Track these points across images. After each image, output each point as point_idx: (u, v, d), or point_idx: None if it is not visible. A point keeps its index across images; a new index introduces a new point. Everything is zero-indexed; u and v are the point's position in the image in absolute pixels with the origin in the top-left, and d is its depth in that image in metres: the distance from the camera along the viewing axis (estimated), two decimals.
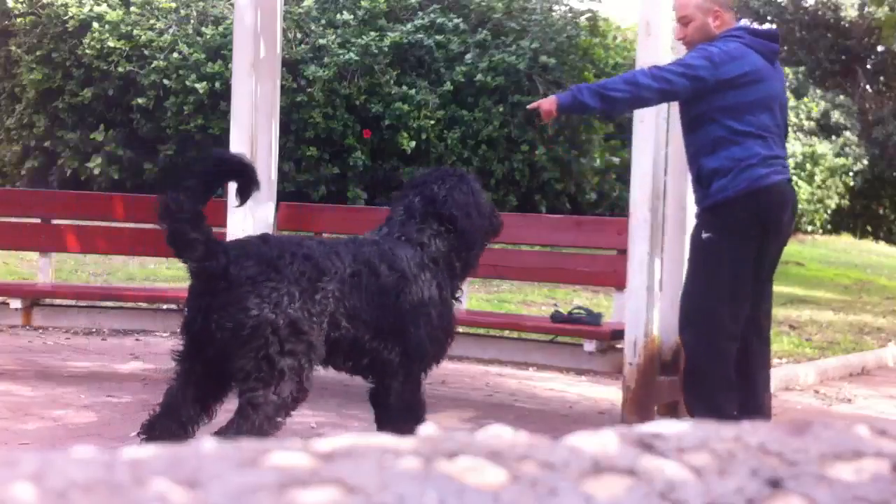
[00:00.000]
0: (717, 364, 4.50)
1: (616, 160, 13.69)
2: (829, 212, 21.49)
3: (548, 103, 4.57)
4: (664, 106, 5.37)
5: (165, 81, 12.28)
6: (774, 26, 26.11)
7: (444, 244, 3.98)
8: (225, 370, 3.55)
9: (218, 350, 3.51)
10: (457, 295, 4.16)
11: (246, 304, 3.42)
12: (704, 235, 4.51)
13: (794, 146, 20.58)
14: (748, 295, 4.53)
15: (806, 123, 21.57)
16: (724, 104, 4.45)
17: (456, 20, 12.93)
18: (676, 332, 5.64)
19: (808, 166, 20.72)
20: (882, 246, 21.79)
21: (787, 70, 22.14)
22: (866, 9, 24.35)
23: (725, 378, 4.52)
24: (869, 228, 23.73)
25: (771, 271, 4.70)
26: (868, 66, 25.67)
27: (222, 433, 3.47)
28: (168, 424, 3.66)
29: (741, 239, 4.45)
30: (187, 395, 3.68)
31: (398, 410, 3.90)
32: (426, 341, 3.88)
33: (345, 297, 3.64)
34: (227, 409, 3.76)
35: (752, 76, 4.46)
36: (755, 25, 4.68)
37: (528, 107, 4.92)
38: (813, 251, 17.23)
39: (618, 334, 5.48)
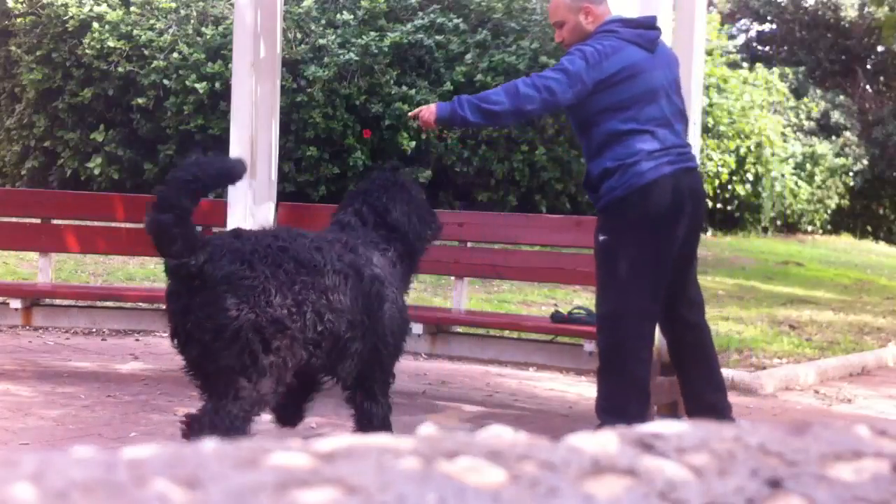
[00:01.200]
0: (626, 365, 4.40)
1: None
2: (829, 212, 21.50)
3: (427, 112, 4.42)
4: None
5: (165, 81, 12.28)
6: (775, 26, 26.13)
7: (395, 249, 4.13)
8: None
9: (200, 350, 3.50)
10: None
11: (225, 304, 3.43)
12: (601, 238, 4.43)
13: (794, 146, 20.59)
14: (656, 293, 4.42)
15: (806, 123, 21.57)
16: (603, 105, 4.34)
17: (456, 20, 12.93)
18: None
19: (808, 166, 20.73)
20: (882, 246, 21.78)
21: (788, 70, 22.15)
22: (866, 9, 24.35)
23: (636, 381, 4.42)
24: (869, 228, 23.74)
25: (686, 263, 4.57)
26: (868, 66, 25.67)
27: (196, 420, 3.48)
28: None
29: (636, 237, 4.35)
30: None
31: (377, 411, 4.05)
32: (398, 341, 4.03)
33: (328, 291, 3.67)
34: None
35: (630, 70, 4.33)
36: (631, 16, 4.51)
37: (408, 114, 4.82)
38: (813, 251, 17.23)
39: None
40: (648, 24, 4.50)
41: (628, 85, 4.33)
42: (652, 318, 4.49)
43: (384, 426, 4.05)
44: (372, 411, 4.04)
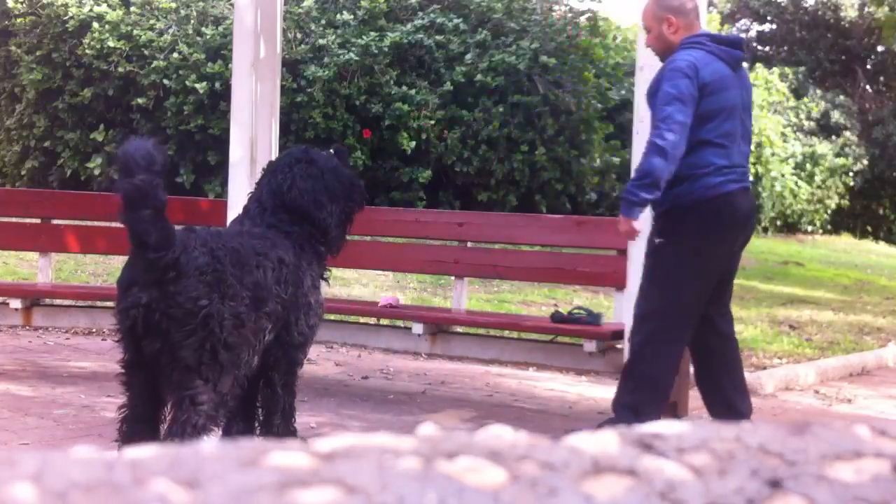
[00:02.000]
0: (656, 367, 4.50)
1: (616, 160, 13.69)
2: (829, 212, 21.50)
3: (624, 224, 4.49)
4: None
5: (165, 81, 12.28)
6: (775, 27, 26.12)
7: (303, 231, 3.98)
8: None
9: (159, 343, 3.49)
10: (325, 276, 4.17)
11: (196, 295, 3.43)
12: (657, 240, 4.53)
13: (794, 146, 20.58)
14: (698, 303, 4.53)
15: (806, 123, 21.57)
16: None
17: (456, 20, 12.93)
18: None
19: (808, 166, 20.73)
20: (882, 246, 21.78)
21: (788, 70, 22.16)
22: (866, 9, 24.36)
23: (660, 383, 4.53)
24: (869, 228, 23.74)
25: (728, 277, 4.74)
26: (868, 66, 25.67)
27: (169, 433, 3.48)
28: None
29: (692, 246, 4.47)
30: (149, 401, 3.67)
31: (285, 401, 3.98)
32: (307, 330, 3.95)
33: (272, 287, 3.69)
34: None
35: (715, 85, 4.46)
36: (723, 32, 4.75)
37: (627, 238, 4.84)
38: (813, 251, 17.22)
39: (618, 334, 5.48)
40: (735, 43, 4.66)
41: (713, 98, 4.46)
42: (689, 326, 4.58)
43: (287, 416, 3.97)
44: (274, 401, 3.97)
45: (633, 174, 4.64)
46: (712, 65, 4.49)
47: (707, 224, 4.47)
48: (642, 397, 4.51)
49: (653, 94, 4.54)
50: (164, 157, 3.34)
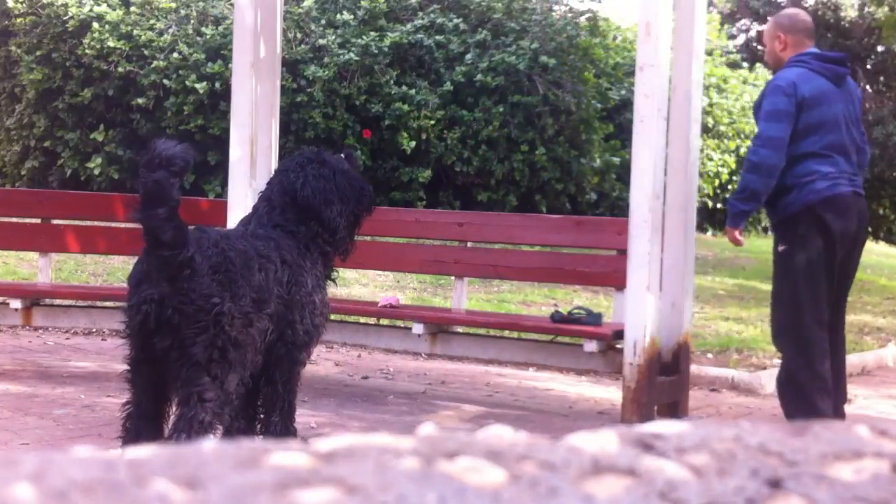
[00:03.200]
0: (811, 370, 4.79)
1: (616, 160, 13.69)
2: None
3: (730, 233, 5.07)
4: (664, 106, 5.39)
5: (165, 81, 12.28)
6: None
7: (309, 231, 4.02)
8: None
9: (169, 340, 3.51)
10: (332, 276, 4.21)
11: (209, 292, 3.45)
12: (780, 248, 4.88)
13: None
14: (825, 300, 4.83)
15: None
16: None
17: (456, 20, 12.93)
18: (677, 333, 5.66)
19: None
20: (882, 246, 21.78)
21: None
22: (866, 9, 24.35)
23: (821, 381, 4.80)
24: (869, 228, 23.74)
25: (845, 280, 5.00)
26: (868, 66, 25.67)
27: (175, 430, 3.49)
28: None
29: (811, 248, 4.77)
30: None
31: (285, 399, 4.01)
32: (311, 329, 3.98)
33: (273, 288, 3.73)
34: None
35: (813, 101, 4.78)
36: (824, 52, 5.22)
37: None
38: None
39: (618, 334, 5.48)
40: (839, 61, 5.00)
41: (813, 112, 4.79)
42: (824, 323, 4.85)
43: (286, 415, 4.01)
44: (274, 399, 4.00)
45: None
46: (813, 81, 4.80)
47: (821, 224, 4.76)
48: (813, 400, 4.77)
49: (756, 109, 4.93)
50: (187, 160, 3.36)
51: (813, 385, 4.76)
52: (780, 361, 5.11)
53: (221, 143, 10.35)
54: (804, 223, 4.79)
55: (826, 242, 4.78)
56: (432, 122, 12.36)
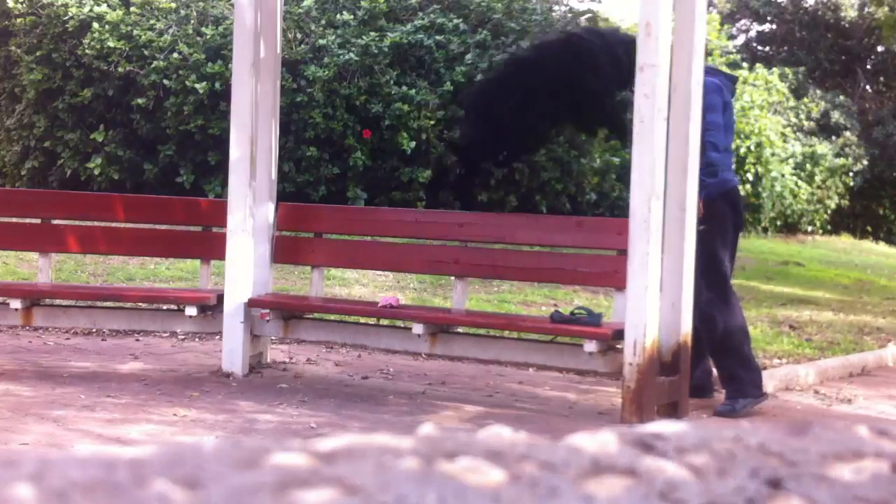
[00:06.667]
0: (736, 318, 5.68)
1: (616, 160, 13.69)
2: (829, 212, 21.49)
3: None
4: (664, 106, 5.39)
5: (165, 81, 12.27)
6: (775, 27, 26.12)
7: None
8: None
9: None
10: None
11: None
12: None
13: (794, 146, 20.58)
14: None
15: (806, 123, 21.56)
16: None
17: (456, 20, 12.93)
18: (676, 333, 5.66)
19: (808, 166, 20.72)
20: (882, 246, 21.78)
21: (788, 70, 22.16)
22: (866, 9, 24.36)
23: (744, 328, 5.79)
24: (869, 229, 23.73)
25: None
26: (868, 66, 25.67)
27: None
28: None
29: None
30: None
31: None
32: None
33: None
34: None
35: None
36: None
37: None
38: (813, 251, 17.22)
39: (618, 335, 5.48)
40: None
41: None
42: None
43: None
44: None
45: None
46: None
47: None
48: (742, 347, 5.70)
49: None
50: None
51: (742, 336, 5.74)
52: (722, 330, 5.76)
53: (221, 143, 10.34)
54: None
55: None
56: (432, 122, 12.36)
